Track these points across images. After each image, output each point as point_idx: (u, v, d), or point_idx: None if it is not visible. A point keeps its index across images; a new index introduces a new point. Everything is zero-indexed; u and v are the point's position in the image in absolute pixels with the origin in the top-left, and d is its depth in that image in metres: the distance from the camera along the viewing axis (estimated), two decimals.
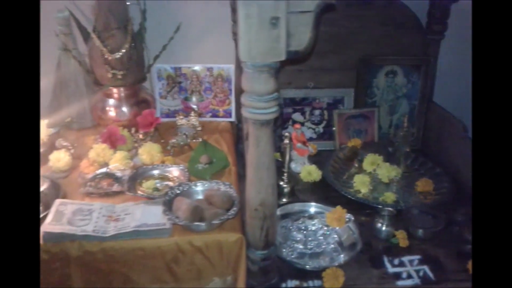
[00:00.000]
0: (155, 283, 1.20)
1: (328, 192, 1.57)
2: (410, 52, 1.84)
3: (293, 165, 1.70)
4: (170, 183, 1.40)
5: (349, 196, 1.51)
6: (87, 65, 1.68)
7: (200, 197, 1.31)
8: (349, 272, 1.21)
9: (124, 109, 1.66)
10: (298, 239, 1.34)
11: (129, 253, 1.15)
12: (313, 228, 1.38)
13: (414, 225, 1.37)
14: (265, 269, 1.16)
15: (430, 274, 1.24)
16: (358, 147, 1.77)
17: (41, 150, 1.51)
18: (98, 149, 1.46)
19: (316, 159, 1.74)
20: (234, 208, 1.21)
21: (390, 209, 1.38)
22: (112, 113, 1.65)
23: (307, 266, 1.24)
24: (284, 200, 1.53)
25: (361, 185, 1.56)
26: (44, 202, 1.30)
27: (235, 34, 1.74)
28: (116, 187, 1.36)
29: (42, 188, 1.32)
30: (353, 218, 1.36)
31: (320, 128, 1.89)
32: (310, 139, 1.86)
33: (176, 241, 1.17)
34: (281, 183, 1.53)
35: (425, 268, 1.26)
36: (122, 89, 1.64)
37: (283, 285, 1.20)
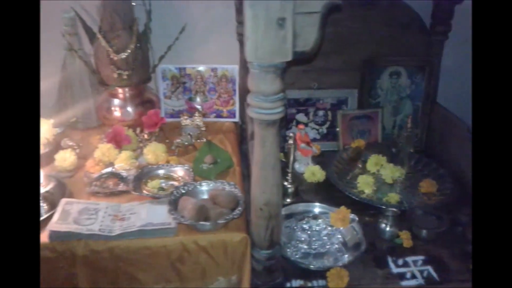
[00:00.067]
0: (160, 282, 1.20)
1: (331, 192, 1.57)
2: (414, 53, 1.84)
3: (296, 166, 1.70)
4: (175, 183, 1.41)
5: (353, 197, 1.51)
6: (92, 65, 1.69)
7: (205, 196, 1.32)
8: (353, 272, 1.21)
9: (129, 109, 1.67)
10: (303, 239, 1.35)
11: (135, 252, 1.16)
12: (317, 228, 1.39)
13: (418, 225, 1.38)
14: (270, 268, 1.16)
15: (434, 275, 1.24)
16: (362, 148, 1.78)
17: (47, 149, 1.53)
18: (103, 149, 1.47)
19: (319, 159, 1.75)
20: (239, 208, 1.22)
21: (394, 209, 1.38)
22: (117, 113, 1.66)
23: (311, 266, 1.24)
24: (288, 200, 1.53)
25: (365, 185, 1.57)
26: (50, 201, 1.31)
27: (239, 35, 1.74)
28: (121, 187, 1.37)
29: (48, 188, 1.33)
30: (357, 219, 1.36)
31: (324, 129, 1.90)
32: (314, 139, 1.86)
33: (181, 241, 1.17)
34: (285, 183, 1.54)
35: (429, 268, 1.26)
36: (127, 89, 1.65)
37: (288, 284, 1.21)
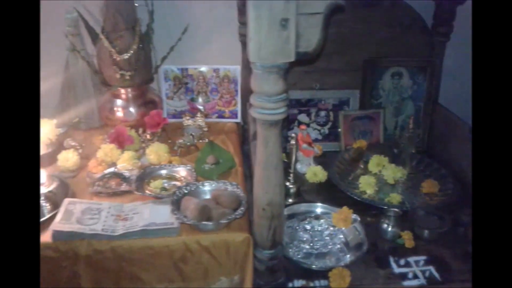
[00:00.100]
0: (163, 281, 1.21)
1: (333, 193, 1.57)
2: (416, 54, 1.84)
3: (298, 166, 1.70)
4: (178, 183, 1.41)
5: (354, 197, 1.51)
6: (95, 66, 1.69)
7: (208, 197, 1.32)
8: (355, 272, 1.21)
9: (132, 109, 1.68)
10: (305, 239, 1.35)
11: (138, 251, 1.17)
12: (320, 228, 1.39)
13: (420, 226, 1.38)
14: (272, 268, 1.16)
15: (436, 275, 1.24)
16: (364, 149, 1.78)
17: (50, 150, 1.54)
18: (106, 149, 1.48)
19: (321, 160, 1.75)
20: (242, 208, 1.22)
21: (396, 210, 1.38)
22: (119, 113, 1.67)
23: (314, 266, 1.24)
24: (290, 200, 1.53)
25: (366, 186, 1.57)
26: (53, 201, 1.32)
27: (241, 36, 1.75)
28: (124, 187, 1.37)
29: (51, 188, 1.33)
30: (359, 219, 1.36)
31: (326, 129, 1.90)
32: (316, 140, 1.86)
33: (184, 240, 1.18)
34: (287, 183, 1.54)
35: (431, 268, 1.26)
36: (129, 89, 1.66)
37: (290, 284, 1.21)
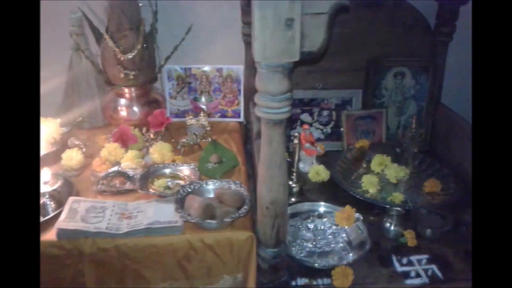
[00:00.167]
0: (166, 280, 1.21)
1: (336, 192, 1.58)
2: (419, 54, 1.85)
3: (301, 165, 1.71)
4: (181, 182, 1.42)
5: (357, 196, 1.52)
6: (99, 65, 1.70)
7: (211, 195, 1.33)
8: (358, 271, 1.22)
9: (135, 108, 1.68)
10: (308, 238, 1.36)
11: (142, 250, 1.17)
12: (322, 227, 1.39)
13: (423, 224, 1.38)
14: (275, 267, 1.17)
15: (438, 273, 1.25)
16: (366, 148, 1.79)
17: (54, 148, 1.54)
18: (110, 148, 1.48)
19: (324, 159, 1.75)
20: (245, 207, 1.23)
21: (398, 209, 1.39)
22: (123, 112, 1.68)
23: (316, 265, 1.25)
24: (293, 199, 1.54)
25: (369, 185, 1.58)
26: (57, 199, 1.33)
27: (245, 35, 1.75)
28: (128, 185, 1.38)
29: (55, 186, 1.34)
30: (361, 218, 1.37)
31: (328, 129, 1.91)
32: (318, 139, 1.87)
33: (188, 239, 1.18)
34: (290, 182, 1.54)
35: (434, 267, 1.27)
36: (133, 89, 1.67)
37: (293, 283, 1.21)
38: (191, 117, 1.74)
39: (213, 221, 1.18)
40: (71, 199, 1.28)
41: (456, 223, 1.40)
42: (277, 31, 0.86)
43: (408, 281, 1.22)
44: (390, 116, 1.90)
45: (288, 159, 1.57)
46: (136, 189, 1.36)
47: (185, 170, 1.47)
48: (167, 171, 1.47)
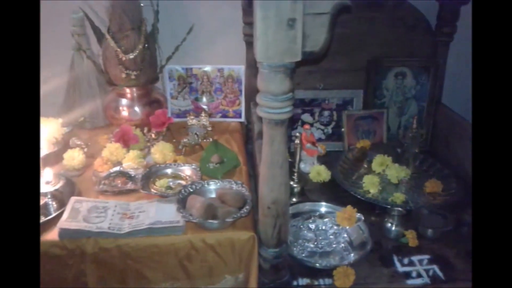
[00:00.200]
0: (168, 279, 1.21)
1: (337, 192, 1.58)
2: (419, 54, 1.85)
3: (302, 165, 1.71)
4: (183, 182, 1.42)
5: (358, 196, 1.52)
6: (100, 65, 1.70)
7: (213, 195, 1.33)
8: (359, 271, 1.22)
9: (137, 108, 1.69)
10: (309, 238, 1.36)
11: (144, 250, 1.17)
12: (324, 227, 1.39)
13: (424, 225, 1.39)
14: (277, 267, 1.17)
15: (440, 274, 1.25)
16: (367, 148, 1.79)
17: (56, 148, 1.54)
18: (111, 148, 1.49)
19: (325, 159, 1.76)
20: (247, 207, 1.23)
21: (399, 209, 1.39)
22: (125, 112, 1.68)
23: (318, 265, 1.25)
24: (294, 199, 1.54)
25: (370, 185, 1.58)
26: (59, 199, 1.33)
27: (246, 36, 1.76)
28: (130, 185, 1.38)
29: (57, 186, 1.34)
30: (363, 218, 1.37)
31: (329, 129, 1.91)
32: (319, 139, 1.87)
33: (189, 239, 1.18)
34: (291, 182, 1.55)
35: (435, 267, 1.27)
36: (134, 89, 1.67)
37: (294, 283, 1.21)
38: (192, 117, 1.74)
39: (215, 221, 1.19)
40: (73, 199, 1.28)
41: (457, 223, 1.40)
42: (279, 31, 0.87)
43: (409, 281, 1.22)
44: (391, 116, 1.90)
45: (289, 159, 1.57)
46: (138, 189, 1.36)
47: (187, 170, 1.47)
48: (169, 171, 1.47)
